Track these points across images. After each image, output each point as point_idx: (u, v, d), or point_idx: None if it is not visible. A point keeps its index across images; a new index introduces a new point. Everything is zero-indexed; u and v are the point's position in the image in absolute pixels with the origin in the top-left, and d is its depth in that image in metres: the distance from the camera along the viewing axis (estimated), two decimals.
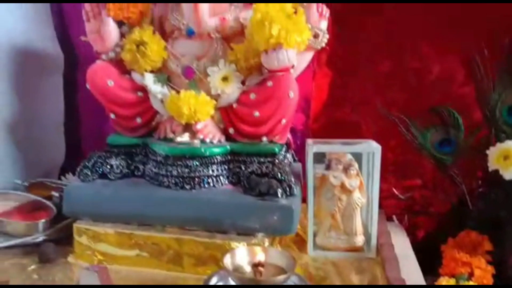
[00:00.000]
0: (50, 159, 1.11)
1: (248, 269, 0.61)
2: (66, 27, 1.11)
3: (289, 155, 0.92)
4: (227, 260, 0.61)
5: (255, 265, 0.61)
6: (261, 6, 0.72)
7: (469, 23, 0.95)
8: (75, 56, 1.12)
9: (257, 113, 0.76)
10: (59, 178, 1.12)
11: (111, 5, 0.77)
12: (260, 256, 0.62)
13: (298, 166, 0.96)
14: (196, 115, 0.75)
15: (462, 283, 0.81)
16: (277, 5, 0.72)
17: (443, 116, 0.97)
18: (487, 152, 0.89)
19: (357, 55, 1.01)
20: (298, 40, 0.72)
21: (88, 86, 0.81)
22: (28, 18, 1.02)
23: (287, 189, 0.75)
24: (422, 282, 0.77)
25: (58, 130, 1.12)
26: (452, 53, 0.98)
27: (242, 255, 0.63)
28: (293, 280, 0.62)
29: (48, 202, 0.88)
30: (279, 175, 0.76)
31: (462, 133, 0.96)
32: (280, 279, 0.58)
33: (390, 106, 0.99)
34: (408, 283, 0.72)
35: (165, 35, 0.84)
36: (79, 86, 1.15)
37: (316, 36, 0.83)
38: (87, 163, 0.81)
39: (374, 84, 1.01)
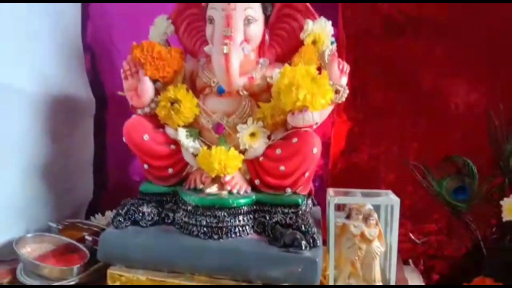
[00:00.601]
0: (79, 197, 1.16)
1: None
2: (98, 72, 1.18)
3: (309, 201, 0.97)
4: None
5: None
6: (288, 70, 0.78)
7: (485, 77, 0.99)
8: (105, 99, 1.19)
9: (282, 167, 0.81)
10: (87, 215, 1.18)
11: (148, 65, 0.83)
12: None
13: (318, 210, 1.00)
14: (225, 169, 0.80)
15: None
16: (303, 69, 0.78)
17: (458, 165, 1.01)
18: (501, 202, 0.93)
19: (374, 104, 1.06)
20: (322, 102, 0.77)
21: (124, 139, 0.86)
22: (64, 66, 1.08)
23: (311, 241, 0.78)
24: None
25: (88, 170, 1.18)
26: (468, 104, 1.02)
27: None
28: None
29: (81, 246, 0.92)
30: (303, 227, 0.80)
31: (477, 181, 1.00)
32: None
33: (407, 153, 1.03)
34: None
35: (196, 90, 0.90)
36: (107, 128, 1.21)
37: (337, 91, 0.87)
38: (120, 211, 0.86)
39: (391, 132, 1.06)
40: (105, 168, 1.24)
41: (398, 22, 1.08)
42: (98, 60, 1.17)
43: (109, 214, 1.08)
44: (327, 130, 1.07)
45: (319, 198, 1.02)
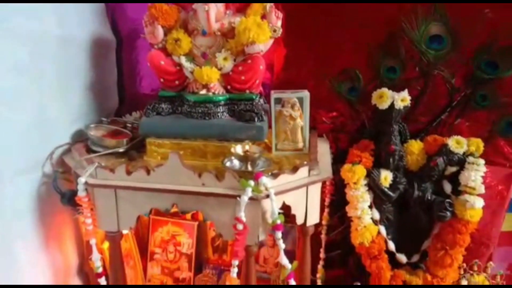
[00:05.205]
0: (111, 105, 1.75)
1: (242, 153, 1.31)
2: (116, 22, 1.70)
3: (261, 100, 1.59)
4: (233, 150, 1.30)
5: (245, 151, 1.31)
6: (243, 20, 1.35)
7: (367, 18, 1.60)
8: (121, 39, 1.72)
9: (243, 77, 1.41)
10: (115, 116, 1.77)
11: (159, 18, 1.37)
12: (247, 148, 1.32)
13: (266, 106, 1.62)
14: (210, 80, 1.39)
15: (355, 166, 1.52)
16: (252, 19, 1.35)
17: (351, 74, 1.65)
18: (372, 94, 1.59)
19: (302, 38, 1.65)
20: (263, 39, 1.36)
21: (148, 64, 1.43)
22: (94, 20, 1.60)
23: (260, 117, 1.42)
24: (329, 165, 1.47)
25: (113, 87, 1.75)
26: (358, 39, 1.63)
27: (239, 148, 1.32)
28: (262, 159, 1.32)
29: (125, 130, 1.53)
30: (255, 110, 1.43)
31: (362, 84, 1.65)
32: (257, 155, 1.28)
33: (321, 69, 1.66)
34: (321, 164, 1.42)
35: (188, 31, 1.46)
36: (123, 58, 1.76)
37: (275, 31, 1.46)
38: (149, 107, 1.45)
39: (311, 56, 1.67)
40: (124, 86, 1.81)
41: None
42: (115, 12, 1.68)
43: (134, 114, 1.68)
44: (271, 55, 1.67)
45: (267, 99, 1.64)
